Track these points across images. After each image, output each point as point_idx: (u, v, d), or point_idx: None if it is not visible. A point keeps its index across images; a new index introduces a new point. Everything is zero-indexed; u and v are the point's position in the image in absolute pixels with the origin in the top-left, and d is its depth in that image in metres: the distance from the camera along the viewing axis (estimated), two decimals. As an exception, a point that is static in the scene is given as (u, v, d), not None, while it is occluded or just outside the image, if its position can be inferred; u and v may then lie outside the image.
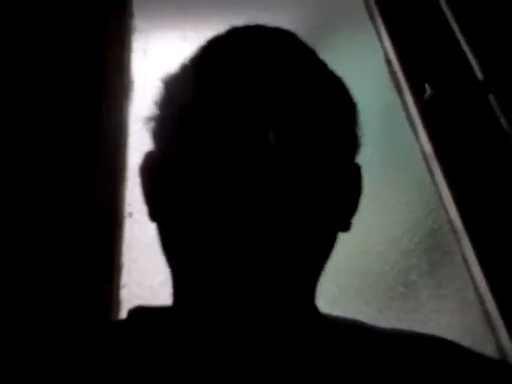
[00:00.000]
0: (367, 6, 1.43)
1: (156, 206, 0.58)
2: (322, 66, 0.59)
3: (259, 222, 0.49)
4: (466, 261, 1.09)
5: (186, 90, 0.56)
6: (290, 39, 0.58)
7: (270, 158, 0.50)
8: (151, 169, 0.59)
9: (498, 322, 1.00)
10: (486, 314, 1.03)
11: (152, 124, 0.59)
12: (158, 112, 0.59)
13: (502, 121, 1.19)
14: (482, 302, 1.05)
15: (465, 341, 0.61)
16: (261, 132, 0.50)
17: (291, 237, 0.51)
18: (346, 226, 0.59)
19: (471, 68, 1.26)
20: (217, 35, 0.59)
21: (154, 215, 0.58)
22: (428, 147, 1.19)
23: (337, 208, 0.56)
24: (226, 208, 0.50)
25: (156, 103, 0.59)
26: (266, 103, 0.52)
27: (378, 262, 1.12)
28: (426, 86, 1.23)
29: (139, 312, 0.59)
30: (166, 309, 0.57)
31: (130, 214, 1.10)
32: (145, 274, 1.04)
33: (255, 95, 0.52)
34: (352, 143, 0.59)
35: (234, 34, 0.58)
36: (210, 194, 0.50)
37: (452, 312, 1.07)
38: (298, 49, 0.58)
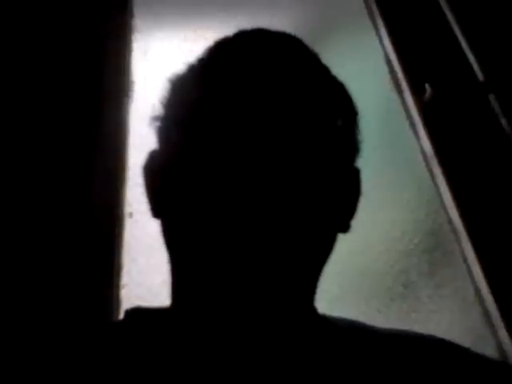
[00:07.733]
0: (367, 6, 1.43)
1: (158, 204, 0.58)
2: (325, 71, 0.60)
3: (259, 223, 0.50)
4: (465, 261, 1.09)
5: (192, 91, 0.56)
6: (295, 44, 0.59)
7: (271, 159, 0.50)
8: (155, 167, 0.59)
9: (498, 322, 1.00)
10: (486, 315, 1.03)
11: (157, 123, 0.60)
12: (163, 111, 0.59)
13: (503, 121, 1.19)
14: (481, 302, 1.04)
15: (465, 341, 0.61)
16: (263, 135, 0.51)
17: (291, 238, 0.51)
18: (344, 228, 0.59)
19: (471, 68, 1.26)
20: (225, 37, 0.60)
21: (156, 213, 0.58)
22: (428, 147, 1.19)
23: (336, 210, 0.56)
24: (227, 209, 0.50)
25: (162, 102, 0.60)
26: (269, 107, 0.52)
27: (377, 262, 1.12)
28: (426, 86, 1.23)
29: (135, 313, 0.59)
30: (163, 310, 0.58)
31: (131, 214, 1.10)
32: (145, 275, 1.04)
33: (259, 99, 0.53)
34: (352, 148, 0.60)
35: (241, 38, 0.59)
36: (212, 195, 0.51)
37: (452, 312, 1.07)
38: (303, 54, 0.59)
